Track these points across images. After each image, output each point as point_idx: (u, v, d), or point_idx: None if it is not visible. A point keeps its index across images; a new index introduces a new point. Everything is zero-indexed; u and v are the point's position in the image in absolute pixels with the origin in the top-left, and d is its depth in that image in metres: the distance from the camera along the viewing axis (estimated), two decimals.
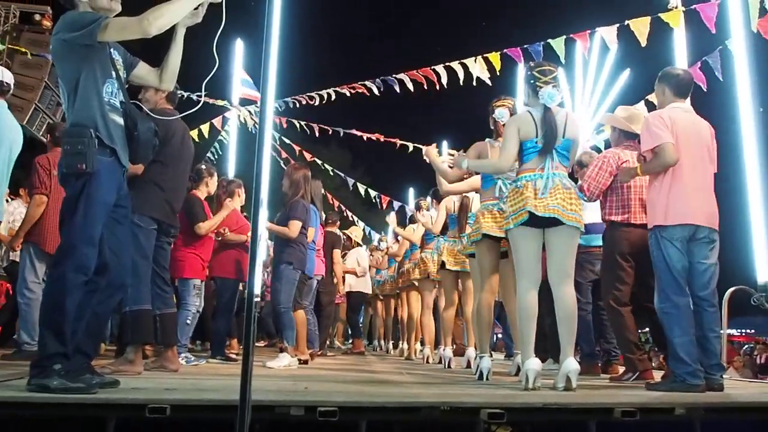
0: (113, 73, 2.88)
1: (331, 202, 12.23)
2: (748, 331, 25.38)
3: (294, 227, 5.13)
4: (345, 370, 5.04)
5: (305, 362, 5.38)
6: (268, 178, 2.36)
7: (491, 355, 4.34)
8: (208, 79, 3.04)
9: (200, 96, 3.15)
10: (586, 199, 4.23)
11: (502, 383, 3.85)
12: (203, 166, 5.33)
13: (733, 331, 23.53)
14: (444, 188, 4.67)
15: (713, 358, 3.55)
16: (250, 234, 5.69)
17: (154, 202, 3.84)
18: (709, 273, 3.60)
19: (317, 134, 10.16)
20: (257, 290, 2.24)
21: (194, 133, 9.82)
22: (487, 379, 4.01)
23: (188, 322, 5.05)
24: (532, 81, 3.64)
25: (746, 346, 16.54)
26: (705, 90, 4.93)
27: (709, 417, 2.94)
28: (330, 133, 9.88)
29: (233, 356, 5.72)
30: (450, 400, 2.78)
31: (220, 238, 5.40)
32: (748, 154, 2.51)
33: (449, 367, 5.32)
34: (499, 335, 13.83)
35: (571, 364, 3.35)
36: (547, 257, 3.60)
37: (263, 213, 2.26)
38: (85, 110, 2.76)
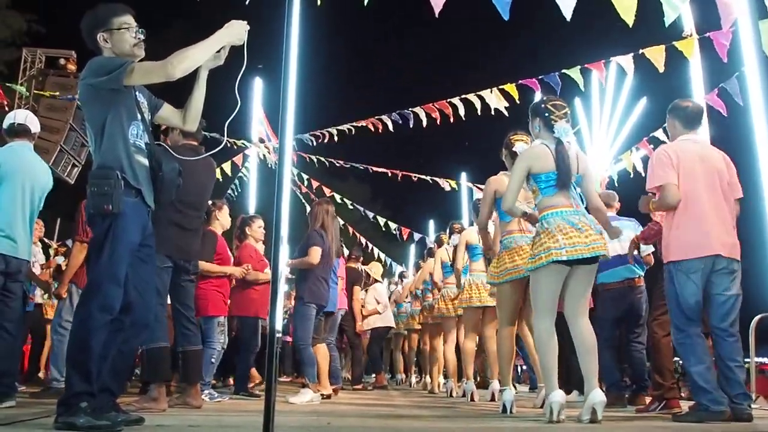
0: (138, 115, 2.97)
1: (353, 235, 12.29)
2: None
3: (314, 253, 5.16)
4: (368, 405, 5.00)
5: (328, 397, 5.36)
6: (287, 215, 2.40)
7: (515, 388, 4.29)
8: (230, 119, 3.12)
9: (222, 137, 3.23)
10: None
11: (527, 416, 3.80)
12: (210, 202, 5.43)
13: (764, 360, 22.80)
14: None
15: (738, 387, 3.48)
16: (268, 270, 5.81)
17: (166, 240, 3.87)
18: (729, 304, 3.56)
19: (337, 167, 10.29)
20: (278, 326, 2.26)
21: (216, 172, 10.02)
22: (510, 412, 3.95)
23: (213, 360, 5.07)
24: (546, 114, 3.63)
25: None
26: (726, 115, 4.93)
27: None
28: (348, 167, 9.99)
29: (257, 392, 5.72)
30: None
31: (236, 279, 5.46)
32: (765, 177, 2.50)
33: (472, 400, 5.26)
34: (524, 367, 13.64)
35: (597, 395, 3.30)
36: (566, 292, 3.56)
37: (284, 249, 2.29)
38: (112, 152, 2.84)
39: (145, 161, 2.96)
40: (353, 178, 11.28)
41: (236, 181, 10.57)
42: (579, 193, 3.59)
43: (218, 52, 2.96)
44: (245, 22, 2.90)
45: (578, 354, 3.49)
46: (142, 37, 2.98)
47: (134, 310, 2.92)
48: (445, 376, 6.52)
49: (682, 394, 5.29)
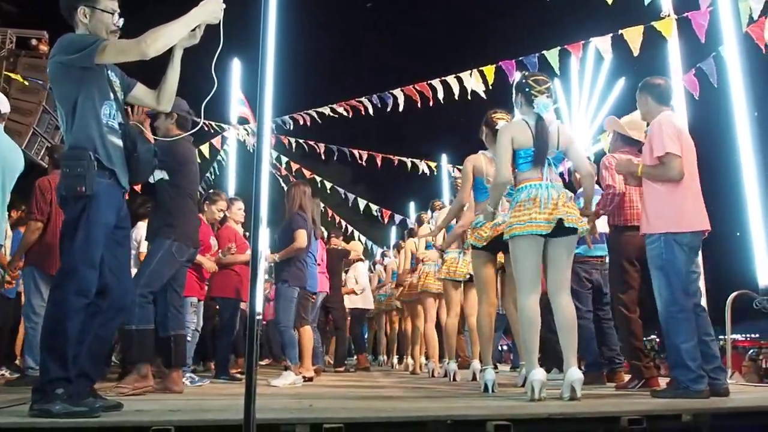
0: (111, 94, 2.90)
1: (332, 218, 12.24)
2: (753, 335, 25.22)
3: (301, 237, 5.14)
4: (350, 386, 5.02)
5: (310, 379, 5.36)
6: (267, 196, 2.36)
7: (496, 367, 4.32)
8: (207, 100, 3.06)
9: (199, 119, 3.17)
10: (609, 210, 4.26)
11: (508, 395, 3.83)
12: (211, 191, 5.43)
13: (738, 336, 23.39)
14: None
15: (714, 361, 3.55)
16: (249, 252, 5.77)
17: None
18: (698, 279, 3.68)
19: (317, 152, 10.20)
20: (259, 308, 2.23)
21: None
22: (492, 391, 3.98)
23: (188, 339, 5.03)
24: (527, 89, 3.62)
25: (751, 350, 16.45)
26: (697, 97, 4.97)
27: (716, 423, 2.92)
28: (326, 150, 9.92)
29: (238, 376, 5.70)
30: (456, 413, 2.77)
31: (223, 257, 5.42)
32: (745, 158, 2.52)
33: (454, 380, 5.30)
34: (505, 347, 13.79)
35: (574, 373, 3.33)
36: (546, 267, 3.60)
37: (263, 231, 2.27)
38: (84, 132, 2.77)
39: (119, 142, 2.89)
40: (334, 161, 11.16)
41: (215, 164, 10.44)
42: (559, 170, 3.61)
43: (193, 30, 2.89)
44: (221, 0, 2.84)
45: (558, 331, 3.52)
46: (119, 26, 2.91)
47: (111, 293, 2.88)
48: (427, 357, 6.56)
49: (661, 371, 5.38)
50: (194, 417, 2.72)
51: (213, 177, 10.84)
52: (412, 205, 11.44)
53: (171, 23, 2.75)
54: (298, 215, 5.30)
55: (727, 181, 3.79)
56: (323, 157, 10.38)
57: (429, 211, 6.65)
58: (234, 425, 2.36)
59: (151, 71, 3.19)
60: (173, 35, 2.78)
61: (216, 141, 9.71)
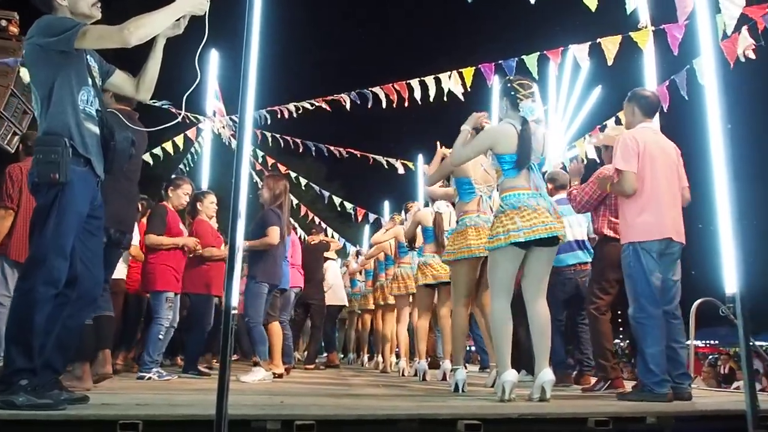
0: (89, 80, 2.84)
1: (305, 215, 12.18)
2: (712, 342, 25.95)
3: (273, 233, 5.10)
4: (320, 384, 5.00)
5: (280, 376, 5.33)
6: (246, 190, 2.35)
7: (465, 367, 4.36)
8: (189, 92, 3.02)
9: (180, 111, 3.12)
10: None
11: (478, 395, 3.87)
12: (173, 176, 5.30)
13: (699, 343, 24.02)
14: (433, 192, 4.98)
15: (680, 367, 3.66)
16: (224, 248, 5.71)
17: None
18: (675, 288, 3.73)
19: (292, 147, 10.13)
20: (234, 303, 2.22)
21: (168, 145, 9.72)
22: (462, 390, 4.02)
23: (161, 336, 4.96)
24: (512, 93, 3.66)
25: (711, 356, 16.91)
26: (665, 110, 5.09)
27: (678, 426, 3.00)
28: (303, 145, 9.86)
29: (205, 371, 5.64)
30: (426, 412, 2.79)
31: (191, 255, 5.34)
32: (717, 168, 2.58)
33: (424, 379, 5.32)
34: (473, 348, 13.90)
35: (546, 375, 3.39)
36: (524, 274, 3.64)
37: (241, 225, 2.25)
38: (59, 118, 2.71)
39: (96, 129, 2.84)
40: (310, 157, 11.12)
41: (188, 156, 10.28)
42: (543, 174, 3.66)
43: (178, 20, 2.85)
44: None
45: (532, 334, 3.58)
46: None
47: (81, 283, 2.82)
48: (397, 356, 6.58)
49: (624, 375, 5.49)
50: (163, 412, 2.69)
51: (187, 169, 10.67)
52: (386, 205, 11.43)
53: (156, 12, 2.70)
54: (273, 211, 5.26)
55: (696, 191, 3.89)
56: (299, 152, 10.32)
57: (403, 213, 6.66)
58: (204, 420, 2.35)
59: (130, 59, 3.13)
60: (157, 24, 2.73)
61: (191, 132, 9.56)
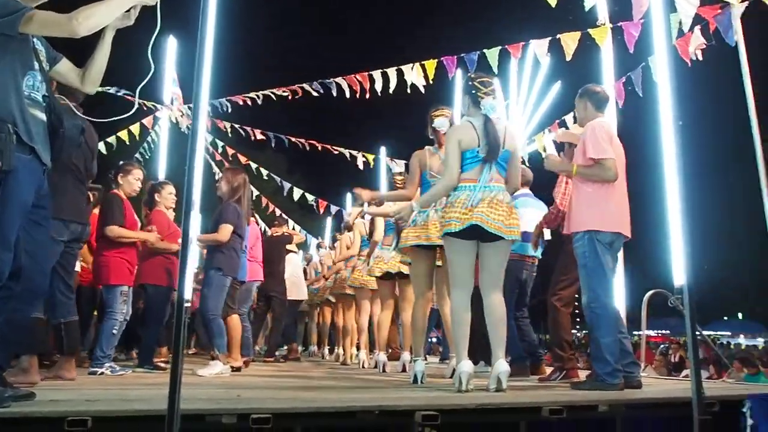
0: (36, 64, 2.72)
1: (266, 206, 12.04)
2: (664, 332, 26.87)
3: (224, 231, 5.01)
4: (280, 376, 4.96)
5: (238, 369, 5.26)
6: (200, 181, 2.30)
7: (426, 359, 4.39)
8: (143, 84, 2.93)
9: (134, 98, 3.03)
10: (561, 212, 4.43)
11: (436, 386, 3.89)
12: (121, 163, 5.14)
13: (651, 332, 24.88)
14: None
15: (628, 356, 3.77)
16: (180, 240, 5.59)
17: (69, 204, 3.77)
18: (614, 280, 3.85)
19: (252, 138, 9.99)
20: (188, 296, 2.17)
21: (123, 134, 9.46)
22: (421, 382, 4.04)
23: (114, 331, 4.82)
24: (473, 91, 3.68)
25: (662, 345, 17.48)
26: (621, 105, 5.21)
27: (629, 413, 3.09)
28: (265, 136, 9.73)
29: (162, 365, 5.53)
30: (385, 404, 2.79)
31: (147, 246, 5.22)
32: (668, 163, 2.65)
33: (384, 371, 5.34)
34: (434, 339, 14.03)
35: (501, 365, 3.43)
36: (480, 266, 3.68)
37: (195, 217, 2.20)
38: (2, 104, 2.59)
39: (42, 116, 2.72)
40: (271, 149, 10.99)
41: (145, 145, 10.03)
42: (503, 168, 3.67)
43: (128, 11, 2.76)
44: None
45: (488, 326, 3.62)
46: None
47: (26, 276, 2.71)
48: (357, 348, 6.58)
49: (579, 364, 5.61)
50: (114, 407, 2.61)
51: (143, 159, 10.41)
52: (349, 197, 11.41)
53: (106, 2, 2.61)
54: (233, 206, 5.17)
55: (648, 187, 4.00)
56: (261, 143, 10.19)
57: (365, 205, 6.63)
58: (157, 415, 2.29)
59: (80, 48, 3.02)
60: (107, 15, 2.65)
61: (147, 121, 9.32)
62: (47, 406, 2.57)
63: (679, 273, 2.59)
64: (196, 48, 2.28)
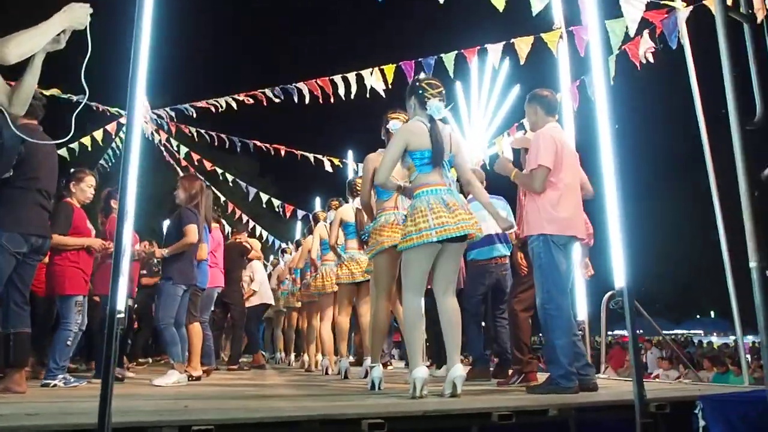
0: None
1: (232, 212, 11.93)
2: (638, 332, 27.12)
3: (191, 232, 4.95)
4: (237, 385, 4.89)
5: (198, 378, 5.18)
6: (135, 189, 2.26)
7: (391, 364, 4.34)
8: (78, 110, 2.89)
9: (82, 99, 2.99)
10: None
11: (393, 392, 3.87)
12: (72, 170, 5.05)
13: (624, 332, 25.18)
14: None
15: (581, 359, 3.78)
16: (138, 246, 5.49)
17: (30, 219, 3.78)
18: (572, 281, 3.87)
19: (215, 143, 9.90)
20: (120, 306, 2.13)
21: (86, 140, 9.29)
22: (379, 388, 4.01)
23: (69, 342, 4.70)
24: (420, 92, 3.67)
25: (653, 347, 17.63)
26: (574, 109, 5.26)
27: (580, 416, 3.10)
28: (229, 141, 9.65)
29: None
30: (330, 412, 2.76)
31: (98, 255, 5.11)
32: (605, 166, 2.68)
33: (347, 377, 5.31)
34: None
35: (457, 370, 3.43)
36: (434, 270, 3.65)
37: (128, 225, 2.15)
38: None
39: None
40: (243, 154, 10.93)
41: (109, 152, 9.87)
42: (450, 172, 3.69)
43: (58, 35, 2.73)
44: (87, 5, 2.74)
45: (443, 330, 3.61)
46: None
47: None
48: (322, 354, 6.53)
49: (541, 366, 5.64)
50: (51, 421, 2.54)
51: (109, 165, 10.25)
52: (317, 201, 11.37)
53: (34, 29, 2.63)
54: (189, 210, 5.11)
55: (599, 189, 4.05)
56: (228, 149, 10.10)
57: (327, 210, 6.61)
58: (91, 429, 2.24)
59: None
60: (36, 42, 2.66)
61: (111, 127, 9.18)
62: None
63: (619, 275, 2.61)
64: (131, 51, 2.24)
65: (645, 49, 4.70)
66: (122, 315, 2.12)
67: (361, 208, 4.78)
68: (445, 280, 3.63)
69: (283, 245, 10.92)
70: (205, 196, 5.31)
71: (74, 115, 2.82)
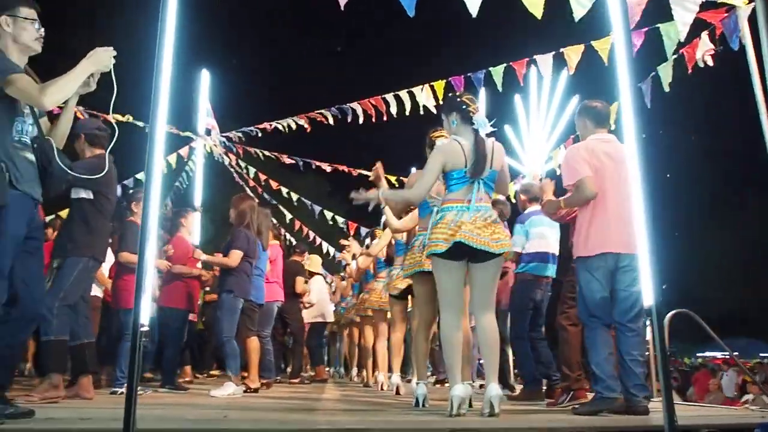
0: (25, 109, 2.96)
1: (299, 230, 12.23)
2: (734, 353, 25.22)
3: (234, 256, 5.18)
4: (290, 398, 4.99)
5: (255, 390, 5.34)
6: (158, 205, 2.40)
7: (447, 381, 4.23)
8: (110, 146, 3.13)
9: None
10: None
11: (435, 410, 3.83)
12: (131, 191, 5.39)
13: (717, 354, 23.49)
14: (392, 225, 4.65)
15: (635, 379, 3.58)
16: (200, 265, 5.76)
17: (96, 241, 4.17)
18: (632, 300, 3.62)
19: (287, 164, 10.23)
20: (144, 320, 2.26)
21: (162, 164, 9.86)
22: (423, 405, 3.98)
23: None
24: (464, 107, 3.64)
25: (730, 369, 16.45)
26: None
27: None
28: (291, 160, 9.95)
29: (184, 386, 5.68)
30: (357, 426, 2.80)
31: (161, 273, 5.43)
32: (634, 180, 2.57)
33: (398, 393, 5.30)
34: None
35: (493, 389, 3.35)
36: (470, 287, 3.62)
37: (152, 241, 2.29)
38: None
39: (31, 156, 2.95)
40: (311, 173, 11.25)
41: (183, 174, 10.41)
42: (482, 190, 3.62)
43: (87, 79, 2.97)
44: (111, 48, 2.95)
45: (481, 348, 3.56)
46: (42, 33, 2.99)
47: (21, 302, 2.90)
48: (374, 370, 6.58)
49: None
50: (99, 426, 2.73)
51: (183, 188, 10.80)
52: (383, 219, 11.46)
53: (65, 77, 2.86)
54: (243, 234, 5.34)
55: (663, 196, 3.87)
56: (299, 170, 10.43)
57: (382, 226, 6.66)
58: None
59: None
60: (68, 88, 2.89)
61: (183, 151, 9.70)
62: (41, 424, 2.72)
63: (647, 294, 2.47)
64: (153, 74, 2.40)
65: (704, 51, 4.46)
66: (146, 328, 2.24)
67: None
68: (481, 297, 3.57)
69: (345, 262, 11.05)
70: (257, 214, 5.52)
71: (107, 149, 3.05)
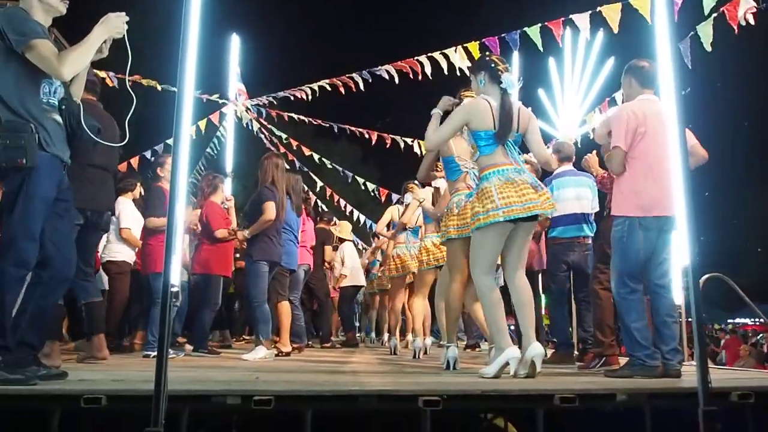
0: None
1: (331, 196, 12.25)
2: (761, 320, 24.79)
3: (269, 209, 5.17)
4: (321, 362, 5.05)
5: (287, 354, 5.41)
6: (186, 172, 2.39)
7: (479, 346, 4.23)
8: (127, 119, 3.14)
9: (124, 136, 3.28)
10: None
11: (467, 371, 3.83)
12: (154, 157, 5.43)
13: (747, 321, 23.09)
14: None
15: (671, 342, 3.54)
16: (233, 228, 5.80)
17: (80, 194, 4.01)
18: (669, 262, 3.60)
19: (321, 130, 10.20)
20: (175, 281, 2.27)
21: (192, 129, 9.94)
22: (454, 368, 3.98)
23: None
24: (492, 66, 3.61)
25: (761, 335, 16.22)
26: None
27: (655, 403, 2.90)
28: (317, 124, 9.89)
29: (216, 350, 5.79)
30: (388, 388, 2.80)
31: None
32: (672, 139, 2.46)
33: (424, 353, 5.33)
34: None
35: (535, 348, 3.34)
36: (505, 249, 3.58)
37: (181, 204, 2.29)
38: (25, 109, 2.82)
39: (59, 118, 2.94)
40: (344, 140, 11.18)
41: (214, 140, 10.47)
42: (518, 151, 3.59)
43: (100, 45, 2.94)
44: (123, 14, 2.93)
45: (515, 307, 3.56)
46: None
47: (52, 264, 2.93)
48: (402, 335, 6.61)
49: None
50: (130, 387, 2.79)
51: (214, 153, 10.88)
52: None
53: (79, 46, 2.85)
54: (267, 188, 5.32)
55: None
56: (329, 135, 10.40)
57: (403, 191, 6.60)
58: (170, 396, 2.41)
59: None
60: (84, 57, 2.89)
61: (214, 117, 9.74)
62: (72, 385, 2.78)
63: (684, 253, 2.39)
64: (180, 37, 2.37)
65: (745, 9, 4.23)
66: (176, 289, 2.26)
67: (438, 188, 4.74)
68: (516, 258, 3.57)
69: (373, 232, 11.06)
70: (282, 172, 5.48)
71: (126, 121, 3.05)
